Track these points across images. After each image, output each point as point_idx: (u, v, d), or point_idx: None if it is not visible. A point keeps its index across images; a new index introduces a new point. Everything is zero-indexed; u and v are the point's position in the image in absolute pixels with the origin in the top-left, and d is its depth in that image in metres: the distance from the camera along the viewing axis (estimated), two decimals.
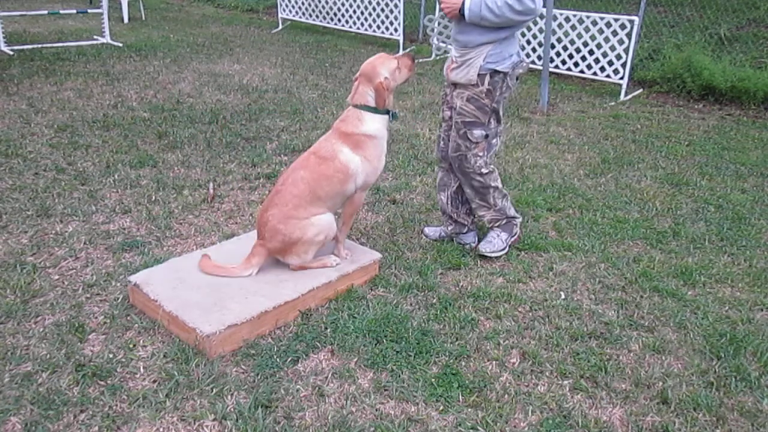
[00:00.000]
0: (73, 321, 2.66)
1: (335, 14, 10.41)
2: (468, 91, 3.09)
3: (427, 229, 3.64)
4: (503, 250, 3.39)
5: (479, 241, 3.48)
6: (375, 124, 2.91)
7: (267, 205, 2.86)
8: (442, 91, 3.36)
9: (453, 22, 3.06)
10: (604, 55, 7.41)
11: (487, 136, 3.19)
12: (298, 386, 2.35)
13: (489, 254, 3.35)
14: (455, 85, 3.18)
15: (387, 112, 2.96)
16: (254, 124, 5.56)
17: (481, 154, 3.22)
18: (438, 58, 9.02)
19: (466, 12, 2.87)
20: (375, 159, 2.95)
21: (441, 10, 3.01)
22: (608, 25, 7.24)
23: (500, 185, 3.35)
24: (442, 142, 3.42)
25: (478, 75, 3.03)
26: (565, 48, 7.81)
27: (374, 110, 2.91)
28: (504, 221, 3.42)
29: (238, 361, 2.47)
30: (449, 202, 3.46)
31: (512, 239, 3.45)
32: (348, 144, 2.89)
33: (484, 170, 3.25)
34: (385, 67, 2.92)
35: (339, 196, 2.93)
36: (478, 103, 3.09)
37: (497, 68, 3.03)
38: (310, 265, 2.93)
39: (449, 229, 3.51)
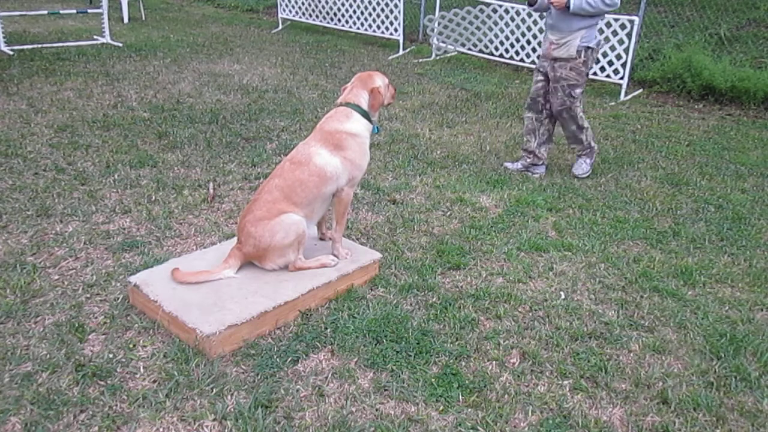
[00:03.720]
0: (73, 321, 2.66)
1: (335, 14, 10.41)
2: (570, 63, 4.30)
3: (507, 164, 4.87)
4: (588, 172, 4.70)
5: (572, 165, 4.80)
6: (360, 125, 2.95)
7: (245, 212, 2.89)
8: (537, 64, 4.63)
9: (553, 14, 4.27)
10: (604, 55, 7.41)
11: (582, 92, 4.46)
12: (298, 386, 2.35)
13: (580, 175, 4.66)
14: (555, 60, 4.35)
15: (371, 122, 3.01)
16: (254, 124, 5.56)
17: (579, 105, 4.47)
18: (438, 57, 9.02)
19: (572, 5, 4.06)
20: (357, 157, 2.94)
21: (550, 3, 4.17)
22: (608, 25, 7.24)
23: (587, 125, 4.60)
24: (530, 100, 4.68)
25: (577, 51, 4.25)
26: None
27: (363, 112, 2.96)
28: (588, 150, 4.69)
29: (238, 361, 2.47)
30: (536, 142, 4.66)
31: (592, 161, 4.74)
32: (327, 145, 2.89)
33: (581, 115, 4.52)
34: (380, 78, 3.10)
35: (319, 199, 2.90)
36: (578, 70, 4.32)
37: (589, 45, 4.25)
38: (309, 265, 2.93)
39: (528, 161, 4.74)
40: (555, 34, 4.31)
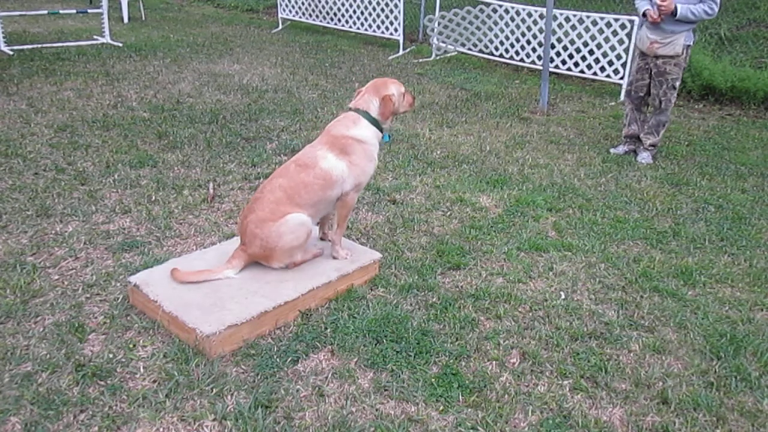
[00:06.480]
0: (73, 321, 2.66)
1: (335, 14, 10.40)
2: (674, 60, 4.84)
3: (612, 150, 5.38)
4: (650, 162, 5.14)
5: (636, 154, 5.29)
6: (367, 131, 2.93)
7: (247, 212, 2.88)
8: (636, 63, 5.07)
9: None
10: (604, 55, 7.41)
11: (679, 84, 5.04)
12: (298, 386, 2.35)
13: (646, 164, 5.09)
14: (658, 57, 4.87)
15: (381, 129, 2.98)
16: (254, 124, 5.56)
17: (676, 96, 5.06)
18: (438, 57, 9.02)
19: (678, 14, 4.58)
20: (363, 163, 2.93)
21: (658, 8, 4.61)
22: (608, 25, 7.24)
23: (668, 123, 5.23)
24: (634, 96, 5.18)
25: (681, 49, 4.78)
26: (565, 48, 7.80)
27: (372, 120, 2.94)
28: (652, 148, 5.20)
29: (238, 361, 2.47)
30: (639, 128, 5.23)
31: (653, 155, 5.24)
32: (333, 150, 2.89)
33: (671, 108, 5.09)
34: (396, 87, 3.04)
35: (323, 202, 2.91)
36: (681, 65, 4.90)
37: (689, 44, 4.83)
38: (304, 258, 2.95)
39: (633, 147, 5.32)
40: (658, 34, 4.78)
